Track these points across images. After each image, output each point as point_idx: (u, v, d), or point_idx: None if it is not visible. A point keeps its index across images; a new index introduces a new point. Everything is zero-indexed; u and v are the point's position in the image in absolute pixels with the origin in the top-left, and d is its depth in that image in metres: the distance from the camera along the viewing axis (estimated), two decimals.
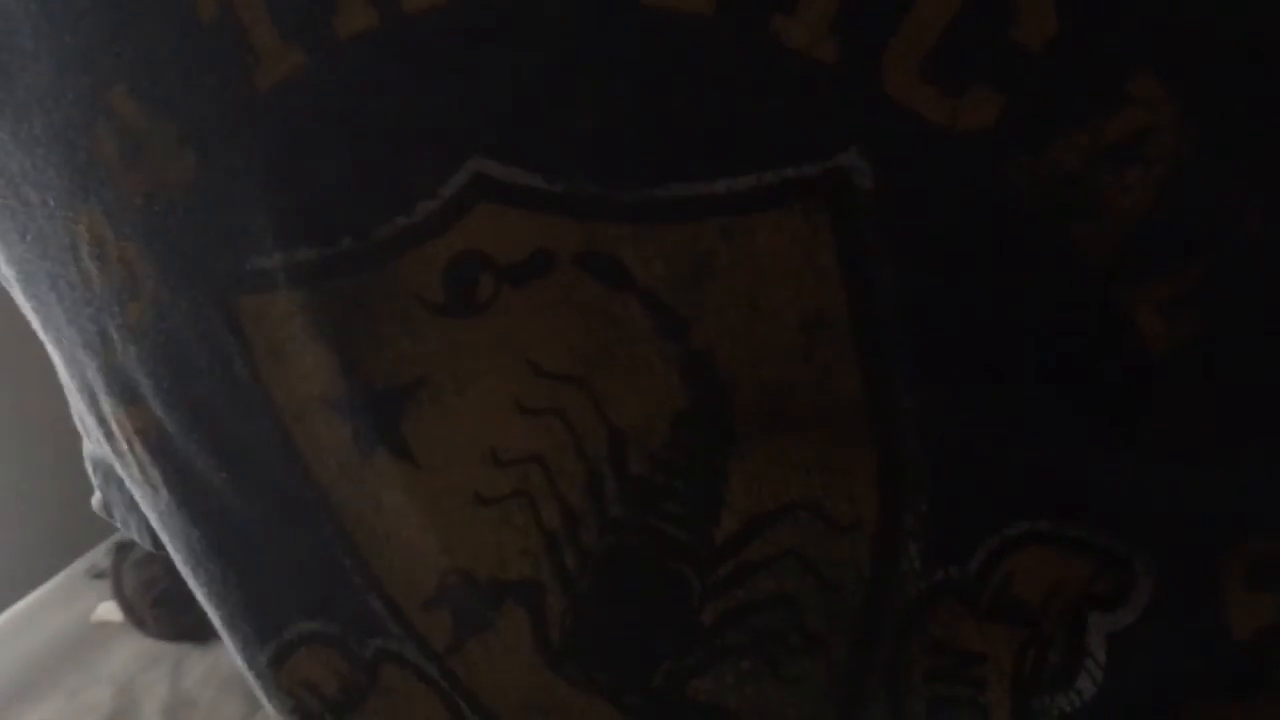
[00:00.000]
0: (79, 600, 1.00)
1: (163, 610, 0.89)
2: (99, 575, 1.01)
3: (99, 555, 1.06)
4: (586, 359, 0.22)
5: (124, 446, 0.28)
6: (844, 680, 0.23)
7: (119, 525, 0.39)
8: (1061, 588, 0.21)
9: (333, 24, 0.21)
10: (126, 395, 0.27)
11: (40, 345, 0.33)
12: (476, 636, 0.25)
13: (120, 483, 0.32)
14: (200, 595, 0.30)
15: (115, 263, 0.25)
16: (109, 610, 0.95)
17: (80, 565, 1.08)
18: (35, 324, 0.30)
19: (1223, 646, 0.21)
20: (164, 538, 0.30)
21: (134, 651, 0.91)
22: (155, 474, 0.28)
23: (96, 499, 0.39)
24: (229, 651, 0.30)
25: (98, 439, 0.31)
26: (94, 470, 0.37)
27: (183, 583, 0.30)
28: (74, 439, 0.38)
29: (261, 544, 0.27)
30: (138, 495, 0.30)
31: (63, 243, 0.26)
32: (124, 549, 0.94)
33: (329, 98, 0.21)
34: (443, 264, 0.22)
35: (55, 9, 0.23)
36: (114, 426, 0.28)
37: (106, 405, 0.28)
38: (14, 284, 0.29)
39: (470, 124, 0.21)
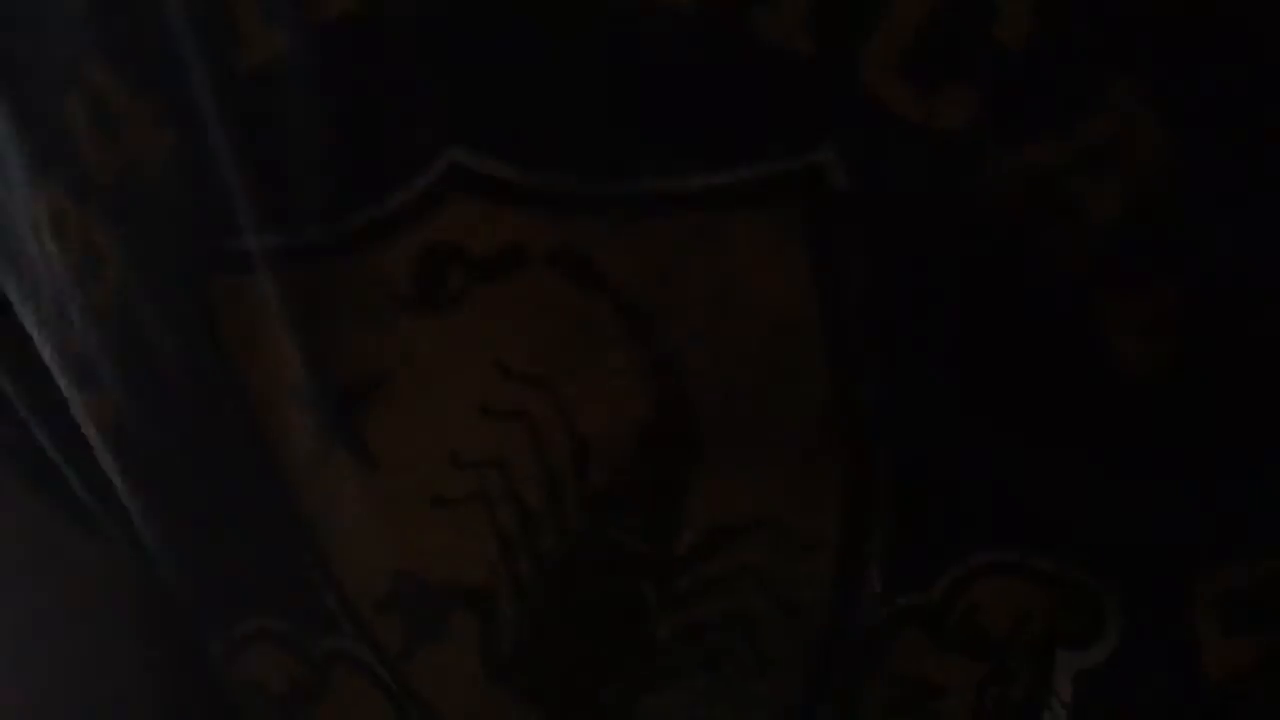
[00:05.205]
0: None
1: None
2: None
3: None
4: (554, 361, 0.21)
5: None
6: (798, 707, 0.22)
7: None
8: (1027, 621, 0.21)
9: (317, 7, 0.20)
10: (83, 381, 0.27)
11: None
12: (426, 645, 0.25)
13: None
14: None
15: (76, 243, 0.24)
16: None
17: None
18: None
19: (1194, 687, 0.20)
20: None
21: None
22: (110, 460, 0.27)
23: None
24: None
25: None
26: None
27: None
28: None
29: (216, 536, 0.26)
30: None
31: (25, 219, 0.25)
32: None
33: (308, 82, 0.21)
34: (412, 256, 0.21)
35: None
36: (74, 412, 0.28)
37: (64, 391, 0.27)
38: None
39: (447, 113, 0.20)
